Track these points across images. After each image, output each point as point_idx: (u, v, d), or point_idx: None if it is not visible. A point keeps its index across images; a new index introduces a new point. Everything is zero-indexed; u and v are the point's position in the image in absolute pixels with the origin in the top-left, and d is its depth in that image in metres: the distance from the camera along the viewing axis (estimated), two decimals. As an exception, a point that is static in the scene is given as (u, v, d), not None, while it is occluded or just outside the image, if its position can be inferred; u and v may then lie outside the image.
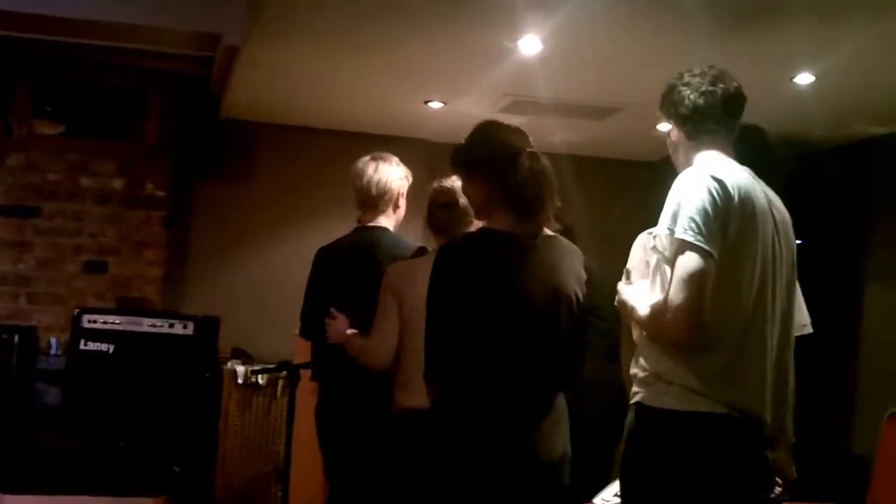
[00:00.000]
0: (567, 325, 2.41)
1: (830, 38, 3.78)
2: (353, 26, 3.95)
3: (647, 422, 2.22)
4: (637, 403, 2.26)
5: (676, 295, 2.08)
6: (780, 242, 2.33)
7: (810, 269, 5.36)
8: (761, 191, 2.33)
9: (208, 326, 5.05)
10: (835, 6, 3.43)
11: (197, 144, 5.75)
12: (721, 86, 2.37)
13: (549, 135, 5.75)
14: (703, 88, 2.35)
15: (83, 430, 4.80)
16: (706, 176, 2.19)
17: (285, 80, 4.94)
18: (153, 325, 4.91)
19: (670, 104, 2.38)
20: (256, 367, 5.09)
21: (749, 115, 5.09)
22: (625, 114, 5.15)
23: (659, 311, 2.15)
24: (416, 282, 2.80)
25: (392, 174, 3.29)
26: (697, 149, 2.35)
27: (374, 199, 3.26)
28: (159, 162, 5.61)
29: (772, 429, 2.28)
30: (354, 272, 3.23)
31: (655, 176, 6.43)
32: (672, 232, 2.14)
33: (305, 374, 3.59)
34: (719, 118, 2.36)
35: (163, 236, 5.61)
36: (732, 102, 2.39)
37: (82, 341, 4.81)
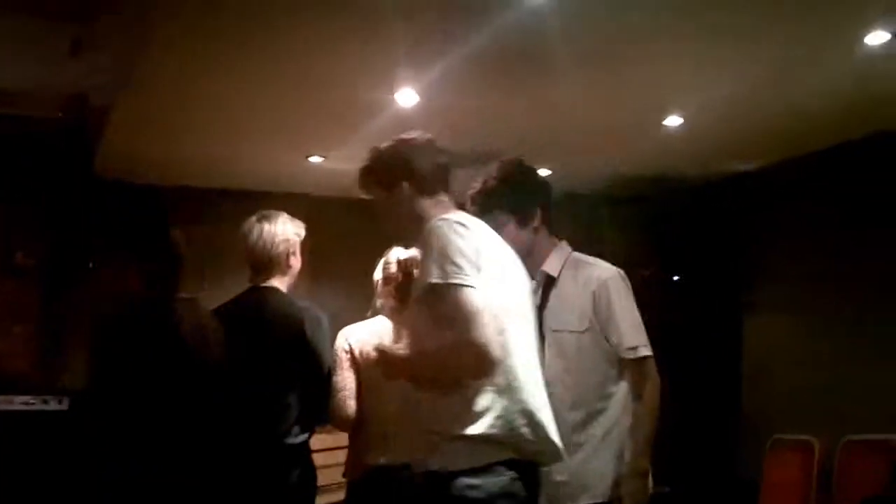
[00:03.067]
0: None
1: (697, 83, 3.95)
2: (225, 87, 3.91)
3: (448, 489, 2.13)
4: (434, 472, 2.17)
5: (471, 333, 2.11)
6: (522, 284, 2.41)
7: (689, 303, 5.60)
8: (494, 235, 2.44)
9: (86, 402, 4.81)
10: (701, 52, 3.59)
11: (72, 209, 5.54)
12: (441, 147, 2.53)
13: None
14: (435, 147, 2.49)
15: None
16: (453, 223, 2.26)
17: (159, 139, 4.83)
18: (25, 403, 4.66)
19: (402, 164, 2.44)
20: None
21: (622, 156, 5.30)
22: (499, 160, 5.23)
23: (452, 353, 2.15)
24: (373, 340, 2.90)
25: (279, 234, 3.20)
26: (436, 204, 2.42)
27: (263, 262, 3.18)
28: (29, 229, 5.37)
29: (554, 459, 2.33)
30: (244, 334, 3.14)
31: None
32: (441, 280, 2.16)
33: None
34: (450, 174, 2.50)
35: (34, 308, 5.34)
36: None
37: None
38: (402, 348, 2.40)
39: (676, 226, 5.64)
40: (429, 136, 2.50)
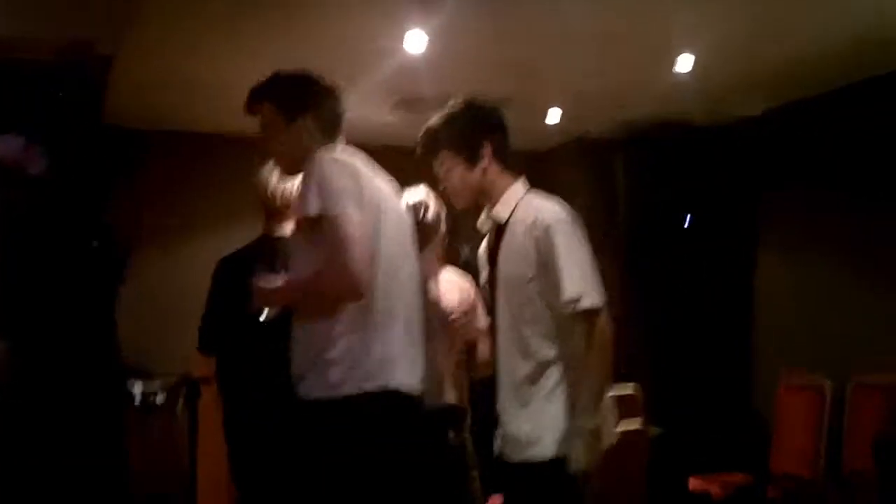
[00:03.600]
0: None
1: (709, 22, 3.88)
2: (233, 30, 3.85)
3: (332, 413, 2.31)
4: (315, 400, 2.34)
5: (345, 260, 2.24)
6: (401, 221, 2.52)
7: (702, 242, 5.58)
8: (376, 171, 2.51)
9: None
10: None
11: (78, 155, 5.51)
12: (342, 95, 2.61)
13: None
14: (337, 91, 2.56)
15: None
16: (333, 156, 2.37)
17: (166, 85, 4.78)
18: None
19: (310, 97, 2.52)
20: (155, 386, 4.93)
21: (634, 99, 5.23)
22: (512, 106, 5.16)
23: (326, 278, 2.30)
24: None
25: (297, 181, 3.19)
26: (329, 145, 2.48)
27: (280, 209, 3.16)
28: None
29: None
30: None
31: (545, 166, 6.54)
32: (321, 211, 2.28)
33: (206, 388, 3.49)
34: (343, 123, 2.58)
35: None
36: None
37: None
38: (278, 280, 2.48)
39: (690, 167, 5.60)
40: (335, 82, 2.57)
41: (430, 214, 3.06)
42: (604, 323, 2.44)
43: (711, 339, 5.55)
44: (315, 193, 2.27)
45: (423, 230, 3.06)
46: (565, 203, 2.57)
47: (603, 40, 4.05)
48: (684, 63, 4.36)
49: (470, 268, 3.63)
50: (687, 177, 5.64)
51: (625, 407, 3.58)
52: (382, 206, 2.38)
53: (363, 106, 5.12)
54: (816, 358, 4.95)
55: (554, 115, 5.41)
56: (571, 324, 2.46)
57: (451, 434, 2.97)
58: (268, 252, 3.14)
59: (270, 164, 3.20)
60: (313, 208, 2.26)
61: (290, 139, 2.49)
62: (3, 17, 4.52)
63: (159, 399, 5.03)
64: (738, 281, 5.62)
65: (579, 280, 2.42)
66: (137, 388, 5.06)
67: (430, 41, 3.95)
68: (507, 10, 3.69)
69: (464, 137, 2.61)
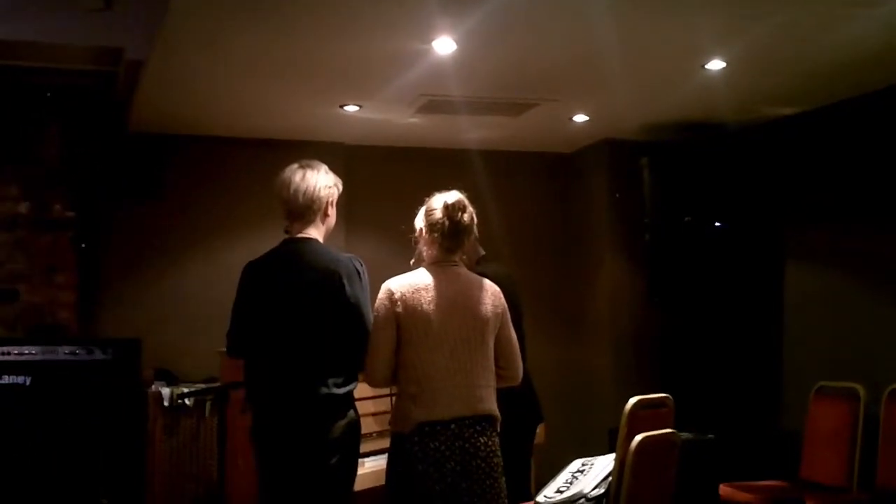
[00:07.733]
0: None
1: (739, 25, 3.83)
2: (261, 34, 3.86)
3: None
4: None
5: None
6: None
7: (730, 249, 5.52)
8: None
9: (129, 349, 4.89)
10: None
11: (104, 161, 5.56)
12: None
13: (466, 132, 5.74)
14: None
15: (1, 468, 4.60)
16: None
17: (193, 91, 4.80)
18: (71, 353, 4.74)
19: None
20: (184, 390, 4.95)
21: (662, 102, 5.19)
22: (539, 109, 5.16)
23: None
24: (419, 293, 2.96)
25: (320, 182, 3.18)
26: None
27: (302, 210, 3.15)
28: (65, 182, 5.40)
29: None
30: (284, 287, 3.13)
31: (571, 167, 6.52)
32: None
33: (235, 393, 3.49)
34: None
35: (73, 259, 5.39)
36: None
37: (-4, 375, 4.63)
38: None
39: (717, 171, 5.55)
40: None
41: (466, 216, 3.05)
42: None
43: (741, 346, 5.48)
44: None
45: (459, 232, 3.04)
46: None
47: (630, 44, 4.02)
48: (713, 66, 4.31)
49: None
50: (715, 181, 5.58)
51: (656, 414, 3.54)
52: None
53: (390, 108, 5.12)
54: (849, 366, 4.87)
55: (580, 117, 5.38)
56: None
57: (484, 440, 2.95)
58: (291, 254, 3.15)
59: (292, 165, 3.20)
60: None
61: None
62: (35, 25, 4.58)
63: (188, 401, 5.06)
64: (767, 288, 5.55)
65: None
66: (166, 391, 5.09)
67: (458, 47, 3.93)
68: (533, 18, 3.67)
69: None
